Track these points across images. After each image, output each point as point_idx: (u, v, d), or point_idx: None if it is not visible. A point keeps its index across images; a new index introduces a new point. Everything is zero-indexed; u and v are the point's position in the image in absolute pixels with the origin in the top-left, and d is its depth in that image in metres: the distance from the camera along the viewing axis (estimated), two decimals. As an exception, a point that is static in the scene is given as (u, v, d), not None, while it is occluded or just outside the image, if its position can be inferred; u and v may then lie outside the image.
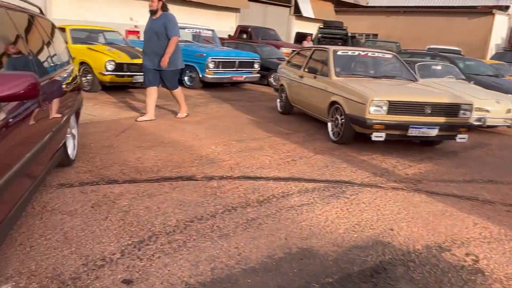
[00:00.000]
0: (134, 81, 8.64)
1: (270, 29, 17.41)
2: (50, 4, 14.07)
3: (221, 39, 13.36)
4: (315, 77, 6.22)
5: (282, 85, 7.61)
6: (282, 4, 23.11)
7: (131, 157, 4.33)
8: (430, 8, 24.64)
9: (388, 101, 4.89)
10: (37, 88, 2.01)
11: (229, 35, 16.45)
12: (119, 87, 8.94)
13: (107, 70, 8.10)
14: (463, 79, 8.42)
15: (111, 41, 10.08)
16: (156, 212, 3.03)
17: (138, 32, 15.73)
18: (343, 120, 5.34)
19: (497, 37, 22.91)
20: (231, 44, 13.10)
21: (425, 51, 12.25)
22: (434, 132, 5.01)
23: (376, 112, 4.89)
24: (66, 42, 9.02)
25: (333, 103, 5.57)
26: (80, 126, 5.40)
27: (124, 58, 8.40)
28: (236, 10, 20.62)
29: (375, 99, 4.86)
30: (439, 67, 8.67)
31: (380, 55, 6.42)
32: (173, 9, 18.15)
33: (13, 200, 2.25)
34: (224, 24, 19.71)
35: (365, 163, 4.75)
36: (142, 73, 8.73)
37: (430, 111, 4.99)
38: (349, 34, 16.86)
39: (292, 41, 20.07)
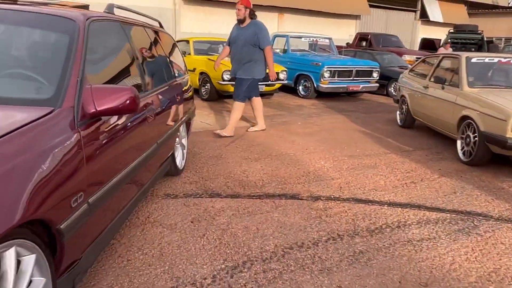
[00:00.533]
0: (249, 91, 8.76)
1: (392, 36, 16.42)
2: (179, 19, 15.21)
3: (339, 47, 12.95)
4: (442, 88, 5.50)
5: (403, 96, 6.95)
6: (406, 9, 21.69)
7: (237, 169, 4.24)
8: None
9: (538, 117, 4.03)
10: (135, 102, 1.95)
11: (347, 43, 15.92)
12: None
13: (224, 80, 8.31)
14: None
15: (230, 51, 10.43)
16: (255, 233, 2.82)
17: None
18: (476, 138, 4.57)
19: None
20: (349, 52, 12.62)
21: None
22: None
23: (520, 131, 4.07)
24: (189, 54, 9.59)
25: (464, 118, 4.83)
26: (193, 134, 5.55)
27: (240, 68, 8.56)
28: (356, 17, 19.95)
29: (520, 115, 4.05)
30: None
31: (527, 61, 5.42)
32: (291, 18, 18.31)
33: (118, 206, 2.25)
34: (344, 32, 19.21)
35: (505, 191, 3.96)
36: (261, 84, 8.90)
37: None
38: (485, 39, 15.02)
39: (416, 47, 18.68)
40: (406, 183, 4.04)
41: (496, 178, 4.31)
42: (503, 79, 5.48)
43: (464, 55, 5.45)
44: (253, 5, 5.85)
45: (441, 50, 13.26)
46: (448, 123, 5.26)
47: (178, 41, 10.71)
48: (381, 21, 21.21)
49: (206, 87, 8.87)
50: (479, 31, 15.17)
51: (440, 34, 19.35)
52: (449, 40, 14.82)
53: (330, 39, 11.72)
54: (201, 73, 8.93)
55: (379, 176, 4.21)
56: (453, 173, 4.42)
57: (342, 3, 18.50)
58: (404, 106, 6.90)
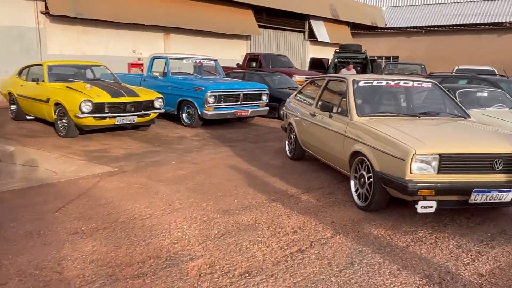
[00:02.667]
0: (118, 123, 7.33)
1: (281, 56, 16.14)
2: (45, 39, 13.15)
3: (227, 68, 12.12)
4: (330, 117, 4.72)
5: (290, 123, 6.13)
6: (295, 29, 21.94)
7: (53, 256, 2.86)
8: (454, 27, 23.09)
9: (439, 154, 3.32)
10: None
11: (237, 64, 15.22)
12: (102, 130, 7.64)
13: (83, 112, 6.80)
14: (517, 108, 6.77)
15: (98, 77, 8.90)
16: None
17: (141, 64, 14.73)
18: (371, 179, 3.79)
19: (530, 54, 21.06)
20: (238, 74, 11.82)
21: (462, 74, 10.63)
22: (509, 196, 3.40)
23: (421, 172, 3.32)
24: (43, 81, 7.86)
25: (356, 153, 4.04)
26: (19, 193, 4.06)
27: (104, 97, 7.10)
28: (247, 37, 19.54)
29: (420, 153, 3.30)
30: (485, 94, 7.05)
31: (416, 84, 4.86)
32: (178, 39, 17.20)
33: None
34: (236, 53, 18.62)
35: (409, 251, 3.14)
36: (127, 114, 7.50)
37: (501, 167, 3.39)
38: (369, 58, 15.40)
39: (306, 67, 18.75)
40: (291, 253, 3.02)
41: (398, 230, 3.52)
42: (394, 105, 4.87)
43: (350, 78, 4.73)
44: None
45: (344, 72, 12.72)
46: (339, 158, 4.46)
47: (31, 66, 8.87)
48: (272, 41, 21.14)
49: (64, 121, 7.23)
50: (363, 51, 15.51)
51: (329, 53, 19.76)
52: (336, 60, 14.88)
53: (215, 60, 10.76)
54: (57, 104, 7.27)
55: (256, 245, 3.14)
56: (349, 227, 3.53)
57: (231, 24, 17.93)
58: (292, 136, 6.08)
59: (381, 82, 4.77)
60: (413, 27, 25.05)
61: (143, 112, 7.62)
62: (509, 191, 3.36)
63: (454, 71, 15.31)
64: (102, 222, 3.50)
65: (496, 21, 22.65)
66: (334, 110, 4.69)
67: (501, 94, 7.09)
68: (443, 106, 4.75)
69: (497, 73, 14.87)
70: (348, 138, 4.21)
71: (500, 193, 3.35)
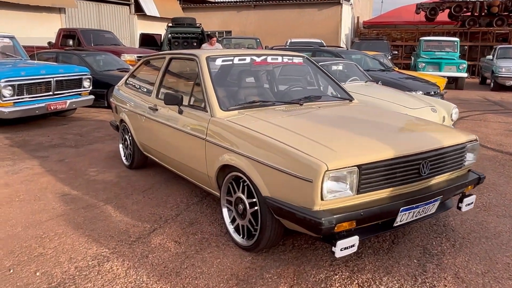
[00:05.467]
0: None
1: (105, 32, 13.69)
2: None
3: (30, 48, 9.46)
4: (180, 112, 3.26)
5: (123, 120, 4.46)
6: (119, 2, 19.29)
7: None
8: (280, 1, 23.59)
9: (358, 166, 2.20)
10: None
11: (49, 43, 12.33)
12: None
13: None
14: (370, 81, 6.39)
15: None
16: None
17: None
18: (256, 207, 2.51)
19: (345, 27, 22.92)
20: (49, 55, 9.32)
21: (305, 47, 10.22)
22: (434, 207, 2.53)
23: (335, 196, 2.17)
24: None
25: (228, 167, 2.71)
26: None
27: None
28: (60, 10, 16.25)
29: (334, 168, 2.12)
30: (340, 68, 6.50)
31: (286, 59, 3.71)
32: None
33: None
34: (48, 29, 15.26)
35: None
36: None
37: (428, 171, 2.47)
38: (205, 33, 14.18)
39: (137, 45, 16.60)
40: None
41: (306, 282, 2.35)
42: (266, 90, 3.66)
43: (203, 55, 3.30)
44: None
45: (205, 47, 9.96)
46: (200, 173, 3.07)
47: None
48: (93, 16, 18.18)
49: None
50: (198, 24, 14.21)
51: (160, 29, 17.88)
52: (170, 35, 13.23)
53: (12, 38, 8.07)
54: None
55: None
56: (236, 295, 2.22)
57: (37, -7, 14.55)
58: (127, 137, 4.44)
59: (245, 59, 3.47)
60: (243, 1, 24.78)
61: None
62: (436, 200, 2.49)
63: (288, 44, 15.29)
64: None
65: (316, -4, 23.87)
66: (185, 102, 3.25)
67: (353, 66, 6.64)
68: (321, 87, 3.75)
69: (325, 45, 15.39)
70: (212, 144, 2.84)
71: (427, 205, 2.45)
